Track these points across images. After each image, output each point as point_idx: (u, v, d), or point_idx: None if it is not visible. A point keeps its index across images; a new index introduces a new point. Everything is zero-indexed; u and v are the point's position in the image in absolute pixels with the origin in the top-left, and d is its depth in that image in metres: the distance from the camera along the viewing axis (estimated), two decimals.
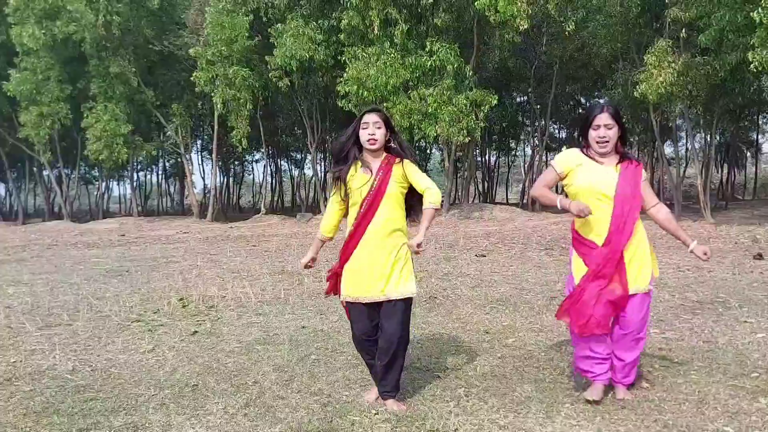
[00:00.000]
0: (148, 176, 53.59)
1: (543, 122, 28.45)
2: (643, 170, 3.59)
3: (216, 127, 26.80)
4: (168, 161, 44.96)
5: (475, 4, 18.64)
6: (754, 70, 14.77)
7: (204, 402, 3.80)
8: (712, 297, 6.72)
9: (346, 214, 3.76)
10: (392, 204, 3.60)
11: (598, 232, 3.46)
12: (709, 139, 22.34)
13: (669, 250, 12.03)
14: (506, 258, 11.17)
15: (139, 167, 47.13)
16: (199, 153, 46.91)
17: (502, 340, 5.11)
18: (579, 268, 3.55)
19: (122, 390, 4.07)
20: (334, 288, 3.81)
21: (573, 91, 33.56)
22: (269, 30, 22.56)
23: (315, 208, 28.98)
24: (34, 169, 33.44)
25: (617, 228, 3.40)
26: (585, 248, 3.51)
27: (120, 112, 25.23)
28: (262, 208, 28.55)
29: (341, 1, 20.97)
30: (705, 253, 3.50)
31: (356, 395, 3.85)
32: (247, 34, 22.35)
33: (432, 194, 3.51)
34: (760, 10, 14.10)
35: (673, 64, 17.82)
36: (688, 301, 6.54)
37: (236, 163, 45.06)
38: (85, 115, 25.16)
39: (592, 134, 3.47)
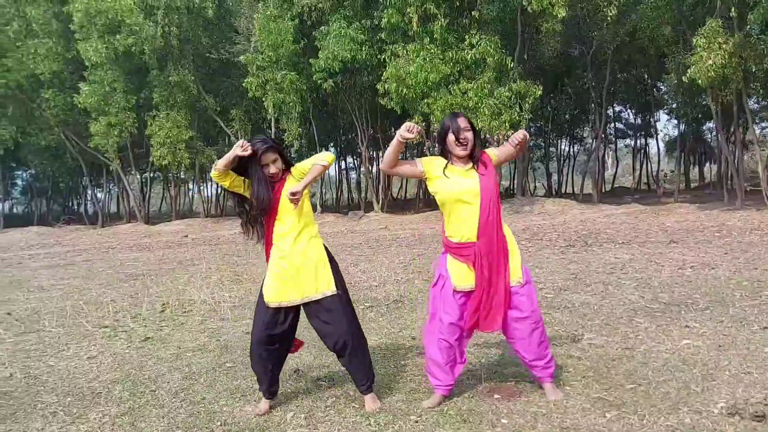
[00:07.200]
0: None
1: (601, 109, 27.49)
2: (490, 149, 3.77)
3: (273, 130, 27.56)
4: None
5: None
6: None
7: (91, 410, 4.04)
8: (684, 298, 6.42)
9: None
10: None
11: (469, 232, 3.57)
12: None
13: (698, 244, 11.49)
14: None
15: None
16: None
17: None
18: (456, 269, 3.61)
19: (33, 397, 4.37)
20: None
21: (638, 76, 32.26)
22: (314, 33, 23.01)
23: (369, 206, 29.24)
24: (113, 175, 35.40)
25: (486, 221, 3.54)
26: (460, 249, 3.60)
27: (181, 119, 26.37)
28: (318, 207, 29.05)
29: (382, 0, 21.09)
30: (520, 136, 3.58)
31: (231, 405, 3.99)
32: (292, 38, 22.86)
33: (316, 157, 3.74)
34: None
35: (724, 46, 16.88)
36: (655, 303, 6.28)
37: None
38: (149, 123, 26.50)
39: (451, 138, 3.59)
